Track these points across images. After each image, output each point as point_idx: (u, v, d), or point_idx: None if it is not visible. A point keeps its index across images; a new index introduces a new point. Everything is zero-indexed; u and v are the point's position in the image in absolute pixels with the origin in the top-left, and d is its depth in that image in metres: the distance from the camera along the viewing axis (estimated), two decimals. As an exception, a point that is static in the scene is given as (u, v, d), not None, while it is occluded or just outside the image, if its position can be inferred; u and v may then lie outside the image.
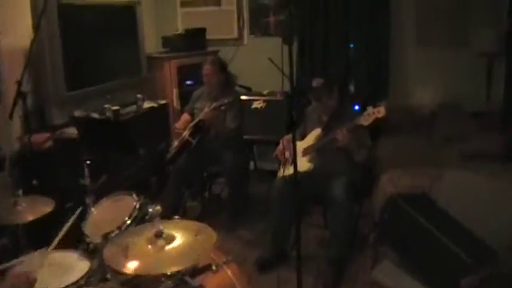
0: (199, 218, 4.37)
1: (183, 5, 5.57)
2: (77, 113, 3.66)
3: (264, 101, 5.10)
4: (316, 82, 3.63)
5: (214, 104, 3.97)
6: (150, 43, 5.17)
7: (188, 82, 5.09)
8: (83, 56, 4.11)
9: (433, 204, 2.66)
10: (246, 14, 5.45)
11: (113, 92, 4.38)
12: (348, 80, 5.02)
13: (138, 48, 4.72)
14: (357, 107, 4.77)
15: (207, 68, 4.19)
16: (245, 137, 4.94)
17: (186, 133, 4.12)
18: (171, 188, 4.16)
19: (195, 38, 5.14)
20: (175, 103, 4.92)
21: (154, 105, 4.70)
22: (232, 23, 5.47)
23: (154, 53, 5.05)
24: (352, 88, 5.05)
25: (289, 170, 3.69)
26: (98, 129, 3.33)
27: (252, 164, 5.32)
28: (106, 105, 4.09)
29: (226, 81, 4.29)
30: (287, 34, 2.11)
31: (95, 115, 3.82)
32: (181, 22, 5.57)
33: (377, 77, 4.95)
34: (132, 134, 3.55)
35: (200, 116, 4.07)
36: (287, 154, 3.73)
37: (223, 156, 4.14)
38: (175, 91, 4.92)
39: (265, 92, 5.15)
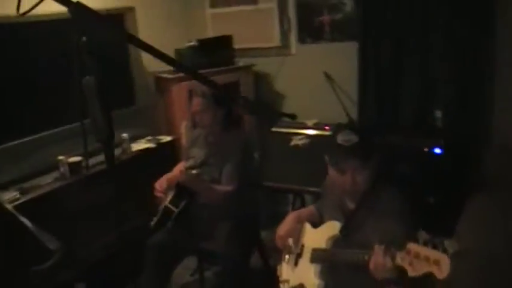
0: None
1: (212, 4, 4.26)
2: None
3: (309, 136, 3.66)
4: (342, 138, 1.95)
5: (188, 164, 2.70)
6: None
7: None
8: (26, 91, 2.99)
9: None
10: (292, 14, 3.99)
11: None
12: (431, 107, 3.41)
13: (128, 70, 3.48)
14: (438, 151, 3.17)
15: (196, 103, 2.91)
16: (276, 185, 3.61)
17: (168, 197, 2.90)
18: (147, 273, 2.94)
19: (216, 50, 3.82)
20: (186, 141, 3.65)
21: (152, 145, 3.51)
22: (273, 26, 4.06)
23: (162, 73, 3.79)
24: (439, 115, 3.41)
25: (292, 276, 2.31)
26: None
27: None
28: (60, 157, 2.98)
29: (229, 119, 2.97)
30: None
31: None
32: (212, 28, 4.28)
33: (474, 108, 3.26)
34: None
35: (179, 179, 2.82)
36: (290, 242, 2.33)
37: (217, 231, 2.83)
38: (185, 124, 3.66)
39: (310, 124, 3.70)
